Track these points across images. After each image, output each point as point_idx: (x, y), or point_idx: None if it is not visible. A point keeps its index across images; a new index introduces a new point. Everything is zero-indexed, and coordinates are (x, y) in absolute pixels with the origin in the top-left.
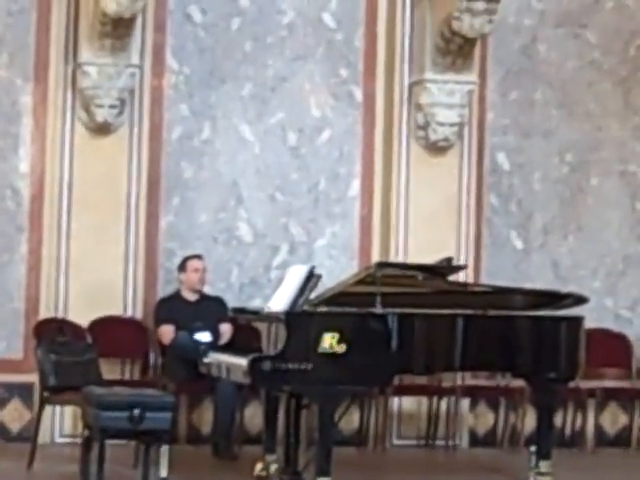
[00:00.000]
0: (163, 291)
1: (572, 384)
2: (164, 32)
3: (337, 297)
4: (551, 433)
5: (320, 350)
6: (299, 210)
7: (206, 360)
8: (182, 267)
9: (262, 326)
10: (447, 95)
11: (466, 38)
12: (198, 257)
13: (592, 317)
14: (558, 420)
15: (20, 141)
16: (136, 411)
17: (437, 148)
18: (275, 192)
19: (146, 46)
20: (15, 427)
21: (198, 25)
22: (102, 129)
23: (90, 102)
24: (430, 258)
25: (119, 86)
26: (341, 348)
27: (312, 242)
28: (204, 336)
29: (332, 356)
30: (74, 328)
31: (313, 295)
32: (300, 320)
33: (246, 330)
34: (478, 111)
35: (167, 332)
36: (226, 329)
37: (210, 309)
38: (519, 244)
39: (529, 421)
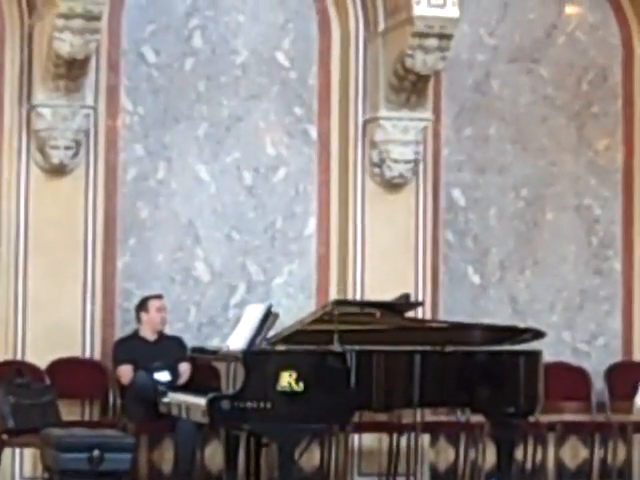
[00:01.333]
0: (121, 331)
1: (532, 418)
2: (118, 73)
3: (295, 335)
4: (511, 468)
5: (279, 389)
6: (256, 249)
7: (165, 400)
8: (143, 307)
9: (221, 365)
10: (402, 132)
11: (419, 75)
12: (159, 297)
13: (550, 351)
14: (518, 454)
15: None
16: (96, 452)
17: (393, 185)
18: (232, 231)
19: (100, 87)
20: None
21: (152, 65)
22: (58, 170)
23: (45, 144)
24: (388, 295)
25: (74, 127)
26: (300, 386)
27: (269, 281)
28: (163, 376)
29: (291, 394)
30: (32, 369)
31: (271, 334)
32: (258, 359)
33: (205, 369)
34: (433, 147)
35: (126, 372)
36: (185, 369)
37: (169, 349)
38: (476, 279)
39: (489, 456)
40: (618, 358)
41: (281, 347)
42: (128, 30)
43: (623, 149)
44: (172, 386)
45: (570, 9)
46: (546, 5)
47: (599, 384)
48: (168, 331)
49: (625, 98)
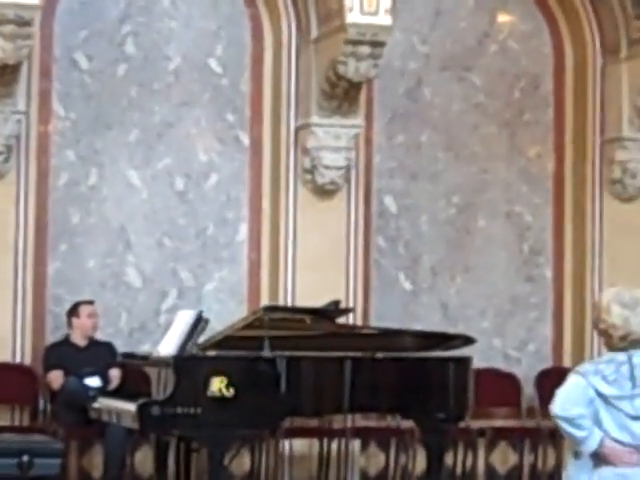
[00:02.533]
0: (52, 337)
1: (462, 424)
2: (50, 78)
3: (225, 341)
4: (441, 473)
5: (209, 394)
6: (187, 255)
7: (96, 405)
8: (74, 312)
9: (151, 371)
10: (333, 139)
11: (352, 82)
12: (90, 302)
13: (481, 357)
14: (448, 460)
15: None
16: (25, 458)
17: (324, 191)
18: (163, 237)
19: (32, 92)
20: None
21: (84, 71)
22: None
23: None
24: (319, 301)
25: (5, 133)
26: (230, 392)
27: (201, 287)
28: (94, 381)
29: (221, 400)
30: None
31: (202, 339)
32: (188, 364)
33: (135, 375)
34: (365, 154)
35: (56, 378)
36: (115, 374)
37: (100, 354)
38: (407, 286)
39: (420, 461)
40: (548, 364)
41: (211, 353)
42: (60, 36)
43: (554, 157)
44: (102, 391)
45: (502, 18)
46: (478, 14)
47: (529, 390)
48: (99, 336)
49: (556, 106)
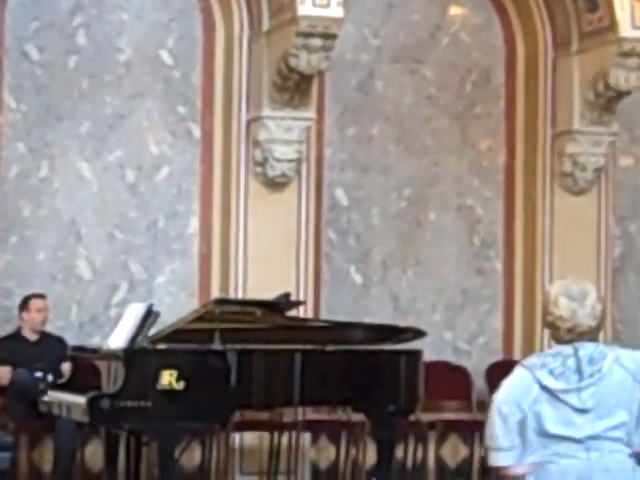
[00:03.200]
0: (2, 330)
1: (412, 417)
2: (1, 70)
3: (176, 334)
4: (392, 466)
5: (159, 387)
6: (138, 248)
7: (46, 399)
8: (24, 306)
9: (101, 364)
10: (285, 131)
11: (303, 75)
12: (41, 296)
13: (431, 350)
14: (399, 453)
15: None
16: None
17: (275, 184)
18: (114, 230)
19: None
20: None
21: (35, 63)
22: None
23: None
24: (270, 294)
25: None
26: (180, 385)
27: (151, 279)
28: (44, 375)
29: (171, 393)
30: None
31: (152, 332)
32: (138, 357)
33: (86, 368)
34: (316, 147)
35: (4, 373)
36: (66, 368)
37: (50, 348)
38: (358, 279)
39: (370, 454)
40: (499, 357)
41: (162, 346)
42: (11, 27)
43: (505, 150)
44: (53, 385)
45: (454, 10)
46: (430, 6)
47: (480, 383)
48: (49, 330)
49: (508, 99)
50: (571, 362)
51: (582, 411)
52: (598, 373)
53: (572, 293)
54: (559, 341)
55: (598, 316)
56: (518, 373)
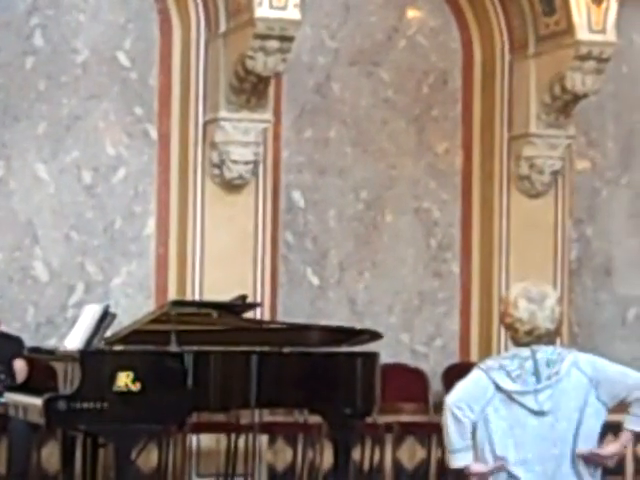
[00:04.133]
0: None
1: (369, 419)
2: None
3: (132, 336)
4: (349, 468)
5: (115, 389)
6: (95, 249)
7: (2, 400)
8: None
9: (58, 365)
10: (242, 133)
11: (260, 77)
12: None
13: (388, 352)
14: (356, 455)
15: None
16: None
17: (232, 186)
18: (70, 231)
19: None
20: None
21: None
22: None
23: None
24: (227, 296)
25: None
26: (136, 386)
27: (108, 281)
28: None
29: (127, 395)
30: None
31: (108, 334)
32: (94, 359)
33: (42, 369)
34: (273, 149)
35: None
36: (20, 367)
37: (5, 349)
38: (315, 281)
39: (327, 456)
40: (456, 359)
41: (118, 347)
42: None
43: (462, 153)
44: (8, 386)
45: (411, 13)
46: (387, 9)
47: (437, 385)
48: (6, 330)
49: (464, 102)
50: (529, 364)
51: (539, 413)
52: (556, 376)
53: (532, 295)
54: (517, 343)
55: (557, 319)
56: (474, 375)
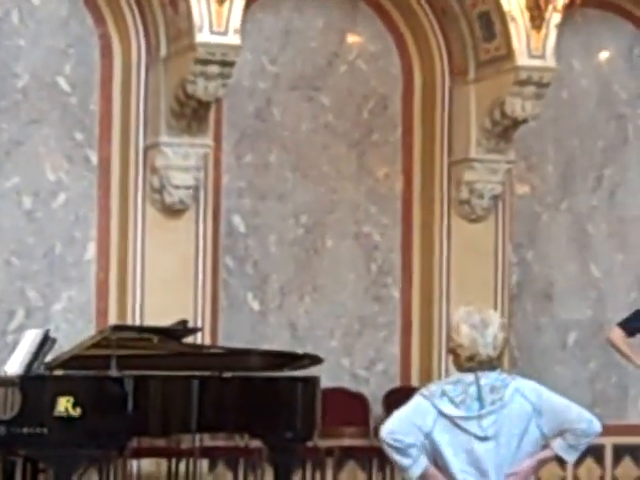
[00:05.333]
0: None
1: (310, 443)
2: None
3: (73, 360)
4: None
5: (55, 414)
6: (35, 274)
7: None
8: None
9: None
10: (182, 158)
11: (201, 101)
12: None
13: (329, 377)
14: (297, 479)
15: None
16: None
17: (173, 211)
18: (10, 256)
19: None
20: None
21: None
22: None
23: None
24: (167, 321)
25: None
26: (77, 411)
27: (48, 306)
28: None
29: (68, 420)
30: None
31: (49, 359)
32: (34, 384)
33: None
34: (213, 174)
35: None
36: None
37: None
38: (256, 305)
39: None
40: (396, 384)
41: (58, 372)
42: None
43: (402, 177)
44: None
45: (351, 38)
46: (328, 34)
47: (377, 409)
48: None
49: (405, 127)
50: (472, 390)
51: (483, 439)
52: (500, 401)
53: (474, 322)
54: (460, 368)
55: (499, 346)
56: (413, 402)
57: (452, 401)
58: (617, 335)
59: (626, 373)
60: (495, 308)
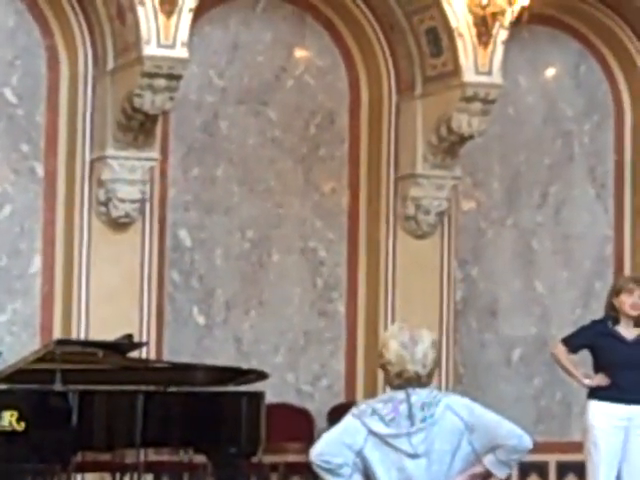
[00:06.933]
0: None
1: (254, 459)
2: None
3: (17, 374)
4: None
5: None
6: None
7: None
8: None
9: None
10: (128, 171)
11: (147, 115)
12: None
13: (274, 392)
14: None
15: None
16: None
17: (119, 224)
18: None
19: None
20: None
21: None
22: None
23: None
24: (112, 335)
25: None
26: (21, 426)
27: None
28: None
29: (11, 434)
30: None
31: None
32: None
33: None
34: (160, 187)
35: None
36: None
37: None
38: (201, 320)
39: None
40: (341, 399)
41: (2, 386)
42: None
43: (348, 192)
44: None
45: (299, 53)
46: (275, 48)
47: (322, 425)
48: None
49: (351, 142)
50: (403, 408)
51: (414, 456)
52: (430, 418)
53: (403, 339)
54: (390, 385)
55: (429, 364)
56: (344, 422)
57: (382, 419)
58: (560, 351)
59: (570, 390)
60: (440, 324)
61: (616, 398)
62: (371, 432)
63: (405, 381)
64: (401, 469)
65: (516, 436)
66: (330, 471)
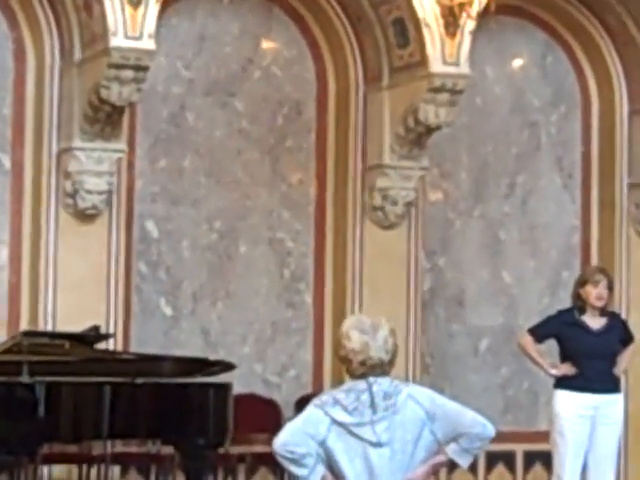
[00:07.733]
0: None
1: (222, 450)
2: None
3: None
4: None
5: None
6: None
7: None
8: None
9: None
10: (95, 163)
11: (114, 106)
12: None
13: (242, 383)
14: None
15: None
16: None
17: (86, 216)
18: None
19: None
20: None
21: None
22: None
23: None
24: (79, 326)
25: None
26: None
27: None
28: None
29: None
30: None
31: None
32: None
33: None
34: (127, 179)
35: None
36: None
37: None
38: (168, 311)
39: None
40: (309, 390)
41: None
42: None
43: (316, 183)
44: None
45: (266, 44)
46: (242, 40)
47: (290, 415)
48: None
49: (319, 132)
50: (365, 397)
51: (377, 445)
52: (392, 407)
53: (364, 327)
54: (352, 375)
55: (390, 350)
56: (306, 412)
57: (345, 409)
58: (527, 341)
59: (537, 380)
60: (407, 314)
61: (582, 387)
62: (335, 422)
63: (369, 369)
64: (365, 458)
65: (479, 424)
66: (294, 461)
